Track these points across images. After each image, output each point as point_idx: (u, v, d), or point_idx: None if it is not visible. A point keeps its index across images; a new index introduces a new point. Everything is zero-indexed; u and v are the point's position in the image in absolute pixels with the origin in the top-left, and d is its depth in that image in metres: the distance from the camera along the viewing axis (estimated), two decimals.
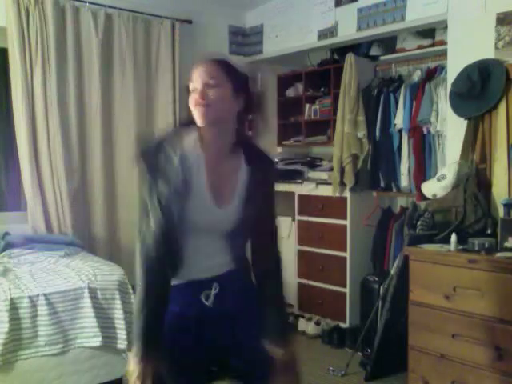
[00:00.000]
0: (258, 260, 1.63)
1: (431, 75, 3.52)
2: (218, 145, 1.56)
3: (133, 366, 1.44)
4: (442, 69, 3.47)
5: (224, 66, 1.55)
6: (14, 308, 2.45)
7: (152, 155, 1.50)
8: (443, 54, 3.33)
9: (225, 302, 1.56)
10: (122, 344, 2.70)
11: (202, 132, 1.55)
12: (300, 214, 4.13)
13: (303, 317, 4.01)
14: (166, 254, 1.48)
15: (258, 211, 1.58)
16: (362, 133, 3.74)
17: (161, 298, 1.48)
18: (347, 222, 3.83)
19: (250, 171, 1.58)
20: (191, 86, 1.55)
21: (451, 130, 3.18)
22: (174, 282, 1.53)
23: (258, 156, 1.63)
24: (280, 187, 3.92)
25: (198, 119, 1.52)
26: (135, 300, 1.50)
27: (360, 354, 3.31)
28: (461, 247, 2.59)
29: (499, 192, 2.83)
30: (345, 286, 3.84)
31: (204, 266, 1.55)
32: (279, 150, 4.60)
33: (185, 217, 1.48)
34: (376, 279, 3.43)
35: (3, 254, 3.05)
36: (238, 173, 1.57)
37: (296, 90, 4.44)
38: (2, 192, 3.72)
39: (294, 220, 4.20)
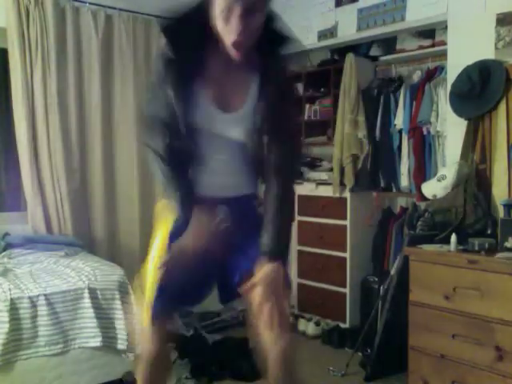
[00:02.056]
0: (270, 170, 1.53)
1: (431, 75, 3.52)
2: (238, 57, 1.42)
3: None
4: (442, 69, 3.47)
5: None
6: (14, 308, 2.45)
7: (175, 37, 1.43)
8: (443, 55, 3.33)
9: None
10: (122, 344, 2.70)
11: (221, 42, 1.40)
12: (300, 214, 4.13)
13: (303, 317, 4.01)
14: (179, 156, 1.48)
15: (271, 120, 1.47)
16: (362, 133, 3.74)
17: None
18: (347, 222, 3.83)
19: (262, 78, 1.47)
20: (221, 10, 1.32)
21: (451, 131, 3.18)
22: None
23: (275, 63, 1.49)
24: None
25: (231, 52, 1.38)
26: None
27: (360, 354, 3.31)
28: (461, 247, 2.59)
29: (499, 192, 2.83)
30: (345, 287, 3.84)
31: (219, 181, 1.55)
32: None
33: (192, 119, 1.45)
34: (376, 279, 3.43)
35: (3, 254, 3.05)
36: (251, 82, 1.48)
37: (296, 90, 4.44)
38: (2, 192, 3.72)
39: (293, 220, 4.20)
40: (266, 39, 1.44)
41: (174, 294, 1.58)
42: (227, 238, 1.53)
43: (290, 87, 1.63)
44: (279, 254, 1.52)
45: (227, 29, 1.34)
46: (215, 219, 1.54)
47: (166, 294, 1.57)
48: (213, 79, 1.46)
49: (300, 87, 4.35)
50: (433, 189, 2.99)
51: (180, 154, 1.50)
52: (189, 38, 1.43)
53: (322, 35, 3.92)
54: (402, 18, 3.42)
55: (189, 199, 1.54)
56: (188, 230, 1.55)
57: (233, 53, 1.39)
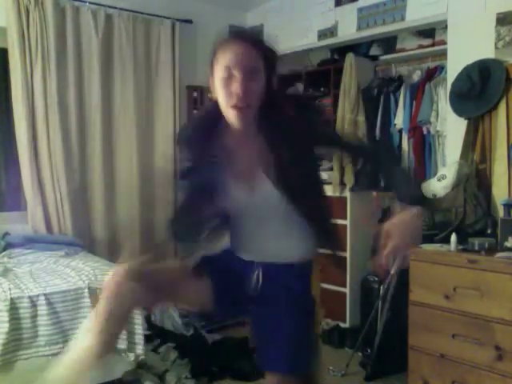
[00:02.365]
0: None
1: (431, 75, 3.52)
2: (243, 130, 1.41)
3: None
4: (442, 69, 3.47)
5: (263, 49, 1.36)
6: (14, 308, 2.45)
7: (188, 145, 1.49)
8: (443, 54, 3.33)
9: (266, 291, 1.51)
10: (121, 344, 2.69)
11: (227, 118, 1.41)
12: None
13: None
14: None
15: (299, 176, 1.42)
16: (362, 133, 3.74)
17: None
18: (347, 222, 3.83)
19: (276, 142, 1.40)
20: (223, 69, 1.32)
21: (451, 130, 3.18)
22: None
23: (286, 118, 1.42)
24: None
25: (235, 121, 1.37)
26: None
27: (360, 353, 3.31)
28: (461, 247, 2.59)
29: (499, 192, 2.83)
30: (345, 286, 3.84)
31: (265, 248, 1.52)
32: None
33: (223, 205, 1.45)
34: (376, 279, 3.42)
35: (3, 253, 3.05)
36: (264, 151, 1.41)
37: (296, 90, 4.44)
38: (2, 192, 3.72)
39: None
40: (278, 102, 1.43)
41: None
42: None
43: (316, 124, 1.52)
44: (420, 200, 1.47)
45: (228, 95, 1.33)
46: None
47: None
48: (231, 159, 1.43)
49: (300, 87, 4.35)
50: (433, 188, 2.99)
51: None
52: (203, 140, 1.44)
53: (322, 35, 3.92)
54: (402, 18, 3.42)
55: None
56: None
57: (233, 119, 1.36)
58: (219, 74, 1.34)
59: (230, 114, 1.36)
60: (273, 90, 1.42)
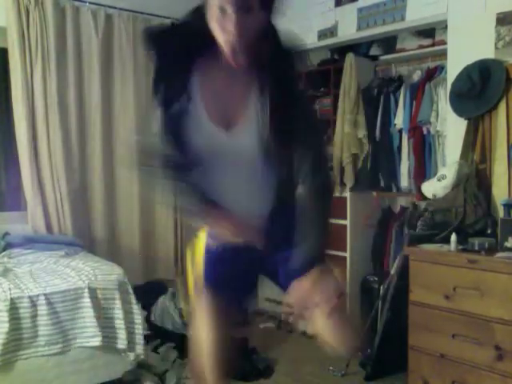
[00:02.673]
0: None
1: (431, 75, 3.52)
2: (235, 67, 1.32)
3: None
4: (442, 69, 3.47)
5: None
6: (14, 308, 2.45)
7: (163, 47, 1.35)
8: (443, 54, 3.33)
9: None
10: (121, 344, 2.70)
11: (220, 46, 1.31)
12: None
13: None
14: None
15: (283, 121, 1.34)
16: (361, 133, 3.74)
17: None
18: (347, 222, 3.83)
19: (265, 83, 1.34)
20: (215, 9, 1.25)
21: (451, 130, 3.18)
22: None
23: (276, 57, 1.36)
24: None
25: (228, 56, 1.28)
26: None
27: (360, 353, 3.31)
28: (461, 247, 2.59)
29: (499, 192, 2.83)
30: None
31: (242, 206, 1.43)
32: None
33: (191, 141, 1.35)
34: (376, 279, 3.43)
35: (3, 253, 3.05)
36: (252, 91, 1.35)
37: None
38: (2, 192, 3.72)
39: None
40: (269, 44, 1.36)
41: (222, 280, 1.55)
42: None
43: (294, 81, 1.44)
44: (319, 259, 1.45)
45: (222, 29, 1.26)
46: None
47: (215, 275, 1.55)
48: (212, 93, 1.35)
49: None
50: (433, 188, 2.99)
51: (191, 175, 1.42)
52: (181, 46, 1.35)
53: (322, 35, 3.92)
54: (402, 18, 3.42)
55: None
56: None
57: (229, 56, 1.29)
58: (213, 12, 1.27)
59: (225, 50, 1.28)
60: (268, 34, 1.35)
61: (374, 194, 3.91)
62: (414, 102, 3.51)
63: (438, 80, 3.43)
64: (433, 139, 3.47)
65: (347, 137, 3.75)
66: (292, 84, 1.42)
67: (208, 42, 1.31)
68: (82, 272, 2.75)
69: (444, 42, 3.35)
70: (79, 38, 3.60)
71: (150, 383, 2.82)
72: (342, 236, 3.83)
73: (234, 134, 1.37)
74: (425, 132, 3.48)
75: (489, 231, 2.72)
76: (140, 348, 2.76)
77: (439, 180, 2.95)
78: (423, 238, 2.81)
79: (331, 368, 3.19)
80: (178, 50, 1.34)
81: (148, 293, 3.58)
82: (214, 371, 1.59)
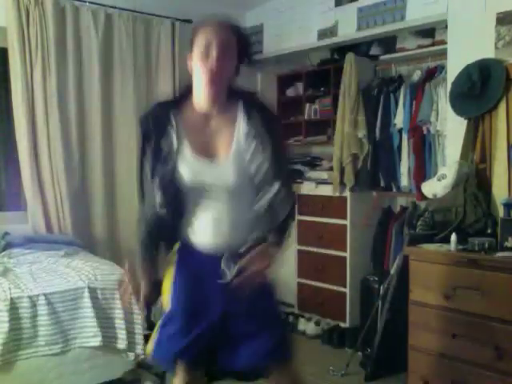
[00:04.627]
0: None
1: (431, 75, 3.52)
2: (212, 104, 1.55)
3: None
4: (442, 69, 3.47)
5: (238, 35, 1.54)
6: (14, 308, 2.45)
7: (144, 122, 1.56)
8: (443, 54, 3.32)
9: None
10: (121, 344, 2.70)
11: (195, 93, 1.57)
12: (300, 213, 4.13)
13: (303, 317, 4.01)
14: (159, 227, 1.61)
15: (261, 162, 1.53)
16: (362, 133, 3.74)
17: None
18: (347, 222, 3.83)
19: (248, 122, 1.54)
20: (200, 47, 1.50)
21: (451, 130, 3.17)
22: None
23: (257, 107, 1.58)
24: None
25: (205, 85, 1.51)
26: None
27: (360, 353, 3.31)
28: (461, 247, 2.59)
29: (499, 192, 2.82)
30: (345, 286, 3.84)
31: (215, 237, 1.58)
32: None
33: (179, 177, 1.53)
34: (376, 279, 3.43)
35: (3, 253, 3.05)
36: (234, 126, 1.55)
37: (296, 90, 4.44)
38: (2, 192, 3.72)
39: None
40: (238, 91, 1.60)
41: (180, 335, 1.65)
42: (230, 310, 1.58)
43: (273, 123, 1.62)
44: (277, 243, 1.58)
45: (203, 69, 1.49)
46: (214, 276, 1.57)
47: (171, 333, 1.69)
48: (195, 135, 1.55)
49: (300, 87, 4.36)
50: (433, 188, 2.99)
51: (173, 210, 1.58)
52: (161, 117, 1.56)
53: (322, 34, 3.92)
54: (402, 18, 3.42)
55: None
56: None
57: (207, 91, 1.51)
58: (197, 51, 1.51)
59: (202, 77, 1.51)
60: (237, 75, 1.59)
61: (374, 194, 3.91)
62: (414, 102, 3.51)
63: (438, 80, 3.43)
64: (433, 139, 3.47)
65: (347, 136, 3.75)
66: (270, 129, 1.58)
67: (183, 99, 1.60)
68: (82, 272, 2.75)
69: (444, 42, 3.35)
70: (79, 37, 3.60)
71: (150, 383, 2.82)
72: (342, 236, 3.83)
73: (216, 164, 1.54)
74: (425, 132, 3.48)
75: (489, 231, 2.72)
76: (140, 348, 2.76)
77: (439, 180, 2.95)
78: (423, 237, 2.81)
79: (331, 368, 3.20)
80: (158, 115, 1.59)
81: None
82: None
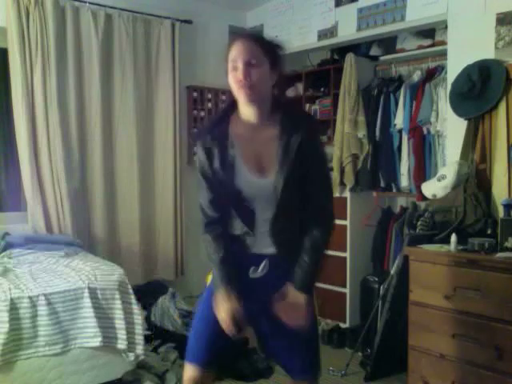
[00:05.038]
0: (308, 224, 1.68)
1: (431, 75, 3.52)
2: (256, 119, 1.64)
3: (223, 305, 1.65)
4: (441, 69, 3.47)
5: (263, 44, 1.63)
6: (14, 308, 2.45)
7: (201, 138, 1.69)
8: (443, 54, 3.33)
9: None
10: (122, 344, 2.70)
11: (241, 108, 1.66)
12: None
13: None
14: (218, 216, 1.69)
15: (303, 173, 1.62)
16: (361, 133, 3.74)
17: (225, 245, 1.69)
18: (347, 222, 3.83)
19: (288, 134, 1.61)
20: (231, 64, 1.60)
21: (451, 130, 3.18)
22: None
23: (295, 118, 1.67)
24: None
25: (243, 99, 1.61)
26: (208, 254, 1.72)
27: (360, 353, 3.31)
28: (461, 247, 2.59)
29: (499, 192, 2.83)
30: (345, 286, 3.84)
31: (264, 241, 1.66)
32: None
33: (235, 190, 1.63)
34: (376, 279, 3.43)
35: (3, 254, 3.04)
36: (276, 140, 1.63)
37: (296, 90, 4.44)
38: (2, 192, 3.72)
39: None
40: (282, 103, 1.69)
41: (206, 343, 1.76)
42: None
43: (316, 139, 1.73)
44: (307, 289, 1.69)
45: (234, 75, 1.59)
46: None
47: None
48: (244, 147, 1.65)
49: (300, 87, 4.36)
50: (433, 188, 2.99)
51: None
52: (214, 135, 1.67)
53: (322, 35, 3.92)
54: (402, 18, 3.42)
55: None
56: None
57: (242, 96, 1.60)
58: (229, 65, 1.61)
59: (239, 94, 1.60)
60: (282, 87, 1.73)
61: (374, 194, 3.91)
62: (414, 102, 3.51)
63: (438, 80, 3.43)
64: (433, 139, 3.47)
65: (347, 137, 3.76)
66: (314, 147, 1.68)
67: (231, 111, 1.70)
68: (82, 272, 2.75)
69: (444, 42, 3.36)
70: (79, 37, 3.59)
71: (150, 383, 2.82)
72: (342, 236, 3.83)
73: (267, 181, 1.63)
74: (425, 132, 3.48)
75: (489, 231, 2.72)
76: (140, 348, 2.76)
77: (439, 180, 2.95)
78: (423, 238, 2.81)
79: (331, 368, 3.20)
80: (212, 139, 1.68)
81: (148, 293, 3.58)
82: None
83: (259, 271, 1.67)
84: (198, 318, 1.83)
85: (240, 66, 1.57)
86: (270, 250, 1.67)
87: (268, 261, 1.67)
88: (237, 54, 1.59)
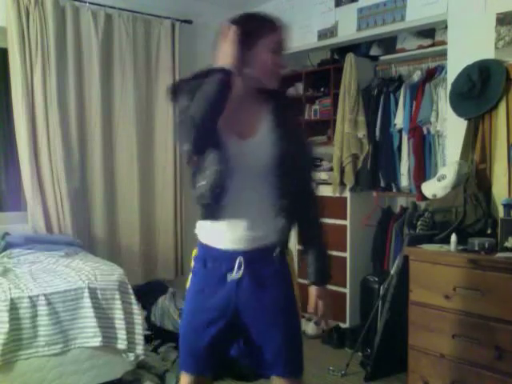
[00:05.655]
0: (298, 209, 1.66)
1: (431, 75, 3.52)
2: (249, 90, 1.63)
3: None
4: (442, 69, 3.47)
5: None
6: (14, 308, 2.45)
7: (185, 83, 1.61)
8: (443, 54, 3.33)
9: (247, 288, 1.58)
10: (122, 344, 2.70)
11: (247, 77, 1.61)
12: None
13: (303, 317, 4.00)
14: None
15: (288, 148, 1.58)
16: (361, 133, 3.74)
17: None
18: (347, 222, 3.83)
19: (276, 109, 1.64)
20: (274, 45, 1.61)
21: (451, 130, 3.18)
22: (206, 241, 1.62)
23: (285, 98, 1.73)
24: None
25: (269, 81, 1.62)
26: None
27: (360, 354, 3.31)
28: (461, 247, 2.59)
29: (499, 192, 2.83)
30: (345, 286, 3.84)
31: (242, 226, 1.57)
32: None
33: (212, 152, 1.54)
34: (376, 279, 3.43)
35: (3, 254, 3.05)
36: (264, 111, 1.63)
37: (296, 90, 4.44)
38: (2, 192, 3.72)
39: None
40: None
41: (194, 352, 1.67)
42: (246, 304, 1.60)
43: (299, 115, 1.84)
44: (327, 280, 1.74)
45: (277, 58, 1.61)
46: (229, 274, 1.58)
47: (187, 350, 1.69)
48: (229, 112, 1.54)
49: (300, 87, 4.36)
50: (433, 188, 2.99)
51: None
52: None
53: (322, 35, 3.92)
54: (402, 18, 3.42)
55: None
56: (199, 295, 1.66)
57: (273, 79, 1.62)
58: (268, 47, 1.59)
59: (269, 73, 1.60)
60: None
61: (374, 194, 3.91)
62: (414, 102, 3.51)
63: (438, 80, 3.43)
64: (433, 139, 3.47)
65: (347, 137, 3.75)
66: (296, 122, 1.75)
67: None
68: (82, 272, 2.75)
69: (444, 42, 3.35)
70: (79, 38, 3.59)
71: (150, 383, 2.82)
72: (342, 236, 3.83)
73: (248, 143, 1.57)
74: (425, 132, 3.48)
75: (489, 231, 2.72)
76: (140, 348, 2.76)
77: (439, 180, 2.95)
78: (423, 238, 2.81)
79: (331, 368, 3.20)
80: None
81: (148, 293, 3.58)
82: None
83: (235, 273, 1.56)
84: (185, 326, 1.71)
85: (282, 52, 1.63)
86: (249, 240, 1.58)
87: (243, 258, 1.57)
88: (283, 41, 1.63)
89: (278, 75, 1.64)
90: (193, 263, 1.71)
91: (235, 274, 1.56)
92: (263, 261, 1.60)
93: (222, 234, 1.59)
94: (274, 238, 1.60)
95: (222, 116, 1.50)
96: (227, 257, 1.58)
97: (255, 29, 1.64)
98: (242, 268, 1.56)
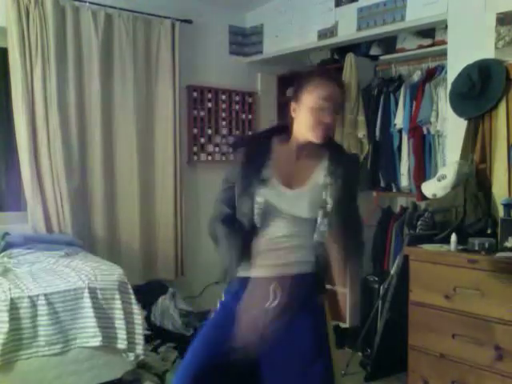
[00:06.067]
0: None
1: (431, 75, 3.52)
2: (309, 147, 1.69)
3: None
4: (441, 69, 3.47)
5: (344, 93, 1.71)
6: (14, 308, 2.45)
7: (242, 147, 1.75)
8: (443, 54, 3.33)
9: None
10: (122, 344, 2.70)
11: (299, 134, 1.69)
12: None
13: None
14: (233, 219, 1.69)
15: (336, 202, 1.65)
16: (361, 133, 3.74)
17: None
18: None
19: (330, 166, 1.68)
20: (318, 101, 1.63)
21: (451, 130, 3.18)
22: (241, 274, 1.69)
23: (341, 155, 1.74)
24: None
25: (315, 138, 1.65)
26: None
27: (360, 353, 3.31)
28: (461, 247, 2.59)
29: (499, 192, 2.83)
30: (345, 286, 3.82)
31: (278, 258, 1.66)
32: None
33: (260, 198, 1.64)
34: (376, 279, 3.43)
35: (3, 254, 3.04)
36: (317, 166, 1.70)
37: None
38: (2, 192, 3.72)
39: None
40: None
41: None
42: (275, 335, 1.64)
43: (356, 176, 1.84)
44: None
45: (317, 121, 1.63)
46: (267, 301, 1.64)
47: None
48: (281, 166, 1.69)
49: None
50: (433, 188, 2.99)
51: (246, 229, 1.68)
52: (255, 149, 1.74)
53: (322, 35, 3.92)
54: (402, 18, 3.42)
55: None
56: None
57: (317, 135, 1.65)
58: (310, 103, 1.64)
59: (313, 130, 1.64)
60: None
61: (374, 193, 3.91)
62: (414, 102, 3.51)
63: (438, 80, 3.43)
64: (433, 139, 3.47)
65: (347, 137, 3.75)
66: (353, 182, 1.78)
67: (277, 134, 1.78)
68: (82, 272, 2.75)
69: (444, 42, 3.35)
70: (79, 37, 3.59)
71: (150, 383, 2.82)
72: None
73: (297, 192, 1.67)
74: (425, 132, 3.48)
75: (489, 231, 2.72)
76: (140, 348, 2.76)
77: (439, 180, 2.95)
78: (423, 238, 2.81)
79: None
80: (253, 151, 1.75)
81: (148, 293, 3.58)
82: None
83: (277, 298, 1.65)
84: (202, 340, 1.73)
85: (328, 108, 1.62)
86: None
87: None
88: (328, 96, 1.62)
89: (323, 131, 1.64)
90: None
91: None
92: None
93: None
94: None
95: (274, 165, 1.67)
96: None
97: (299, 86, 1.70)
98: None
